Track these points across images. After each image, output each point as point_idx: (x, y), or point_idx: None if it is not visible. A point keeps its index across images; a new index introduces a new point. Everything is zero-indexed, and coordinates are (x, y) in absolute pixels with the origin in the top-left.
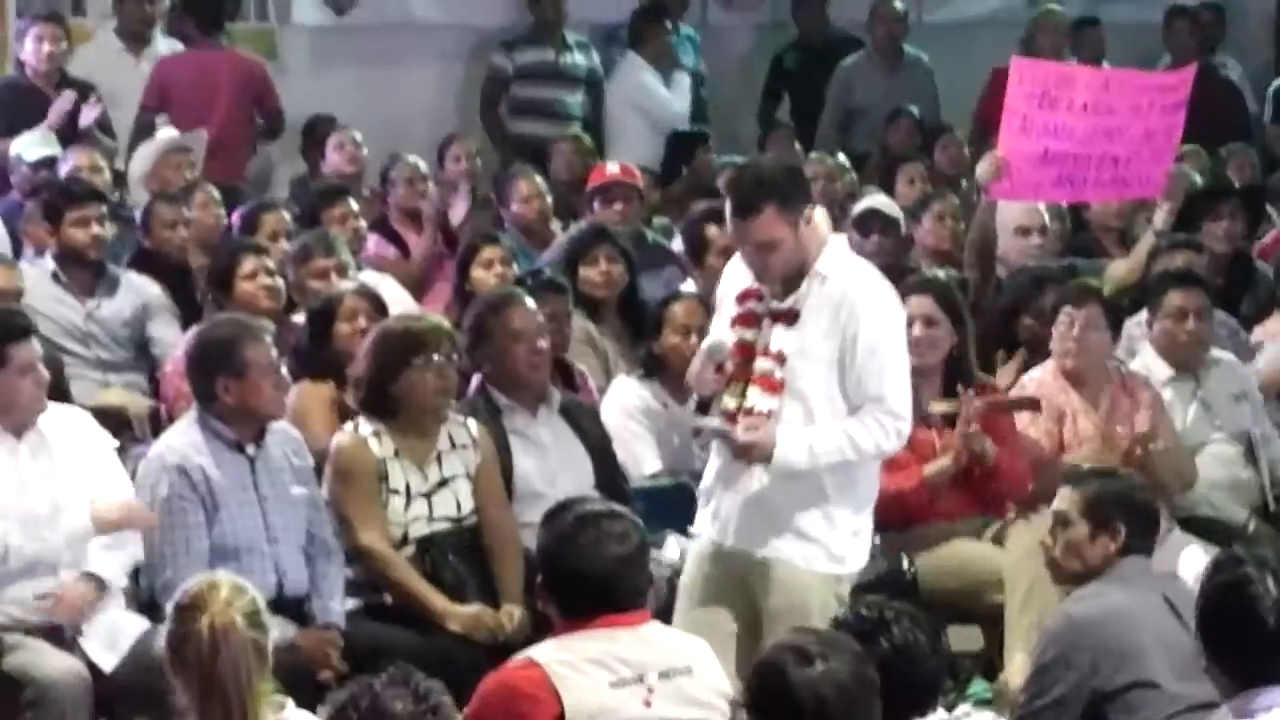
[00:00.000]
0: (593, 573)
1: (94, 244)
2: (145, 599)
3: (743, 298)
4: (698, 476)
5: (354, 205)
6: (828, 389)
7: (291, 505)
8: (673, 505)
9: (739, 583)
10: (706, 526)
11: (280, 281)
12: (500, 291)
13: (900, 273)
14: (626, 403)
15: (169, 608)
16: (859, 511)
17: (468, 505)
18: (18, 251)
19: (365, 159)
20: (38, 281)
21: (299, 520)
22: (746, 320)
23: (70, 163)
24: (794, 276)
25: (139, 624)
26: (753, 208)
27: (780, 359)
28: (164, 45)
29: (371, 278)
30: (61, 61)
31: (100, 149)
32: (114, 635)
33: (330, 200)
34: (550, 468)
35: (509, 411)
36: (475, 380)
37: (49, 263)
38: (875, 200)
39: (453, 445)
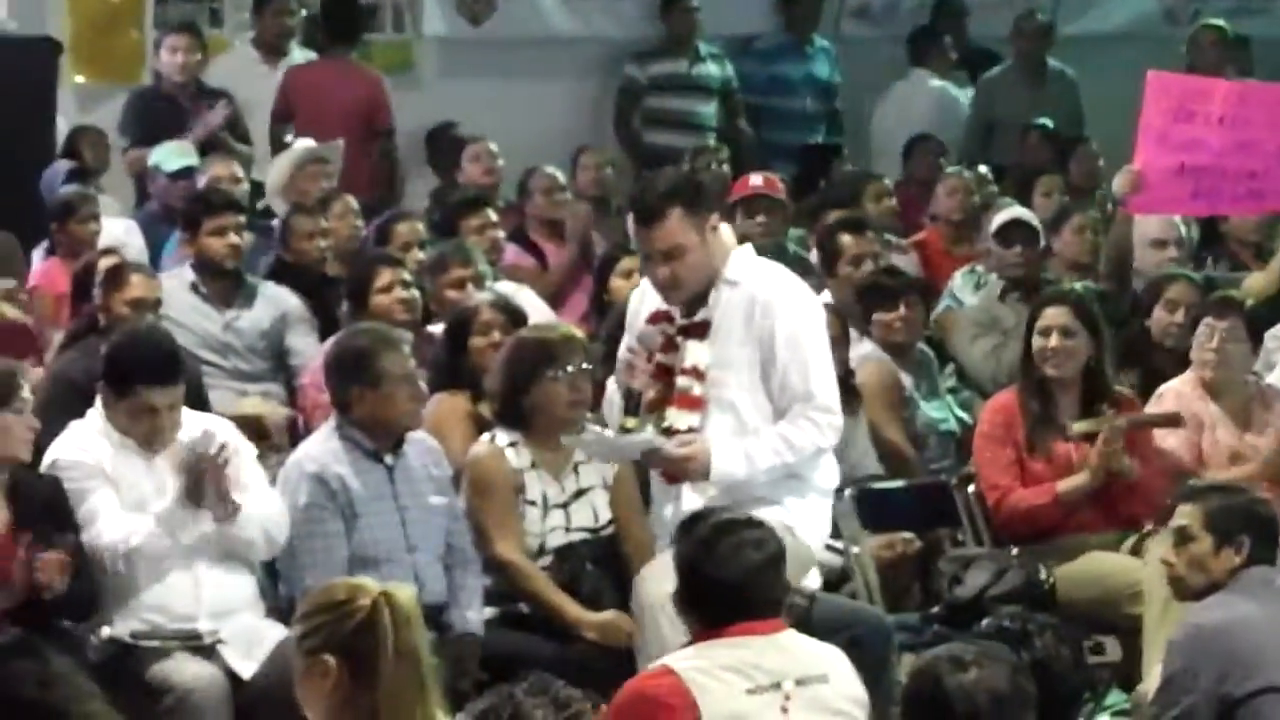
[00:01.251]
0: (730, 580)
1: (231, 253)
2: (284, 607)
3: (652, 320)
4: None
5: (492, 215)
6: (754, 396)
7: (430, 515)
8: None
9: None
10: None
11: (415, 294)
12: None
13: (1037, 284)
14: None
15: (308, 619)
16: (818, 500)
17: (604, 515)
18: (156, 261)
19: (501, 170)
20: (176, 291)
21: (437, 530)
22: (664, 345)
23: (209, 173)
24: (702, 291)
25: (277, 631)
26: (657, 213)
27: (698, 374)
28: (299, 56)
29: (508, 288)
30: (198, 72)
31: (238, 158)
32: (252, 642)
33: (468, 210)
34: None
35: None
36: None
37: (188, 273)
38: (1016, 211)
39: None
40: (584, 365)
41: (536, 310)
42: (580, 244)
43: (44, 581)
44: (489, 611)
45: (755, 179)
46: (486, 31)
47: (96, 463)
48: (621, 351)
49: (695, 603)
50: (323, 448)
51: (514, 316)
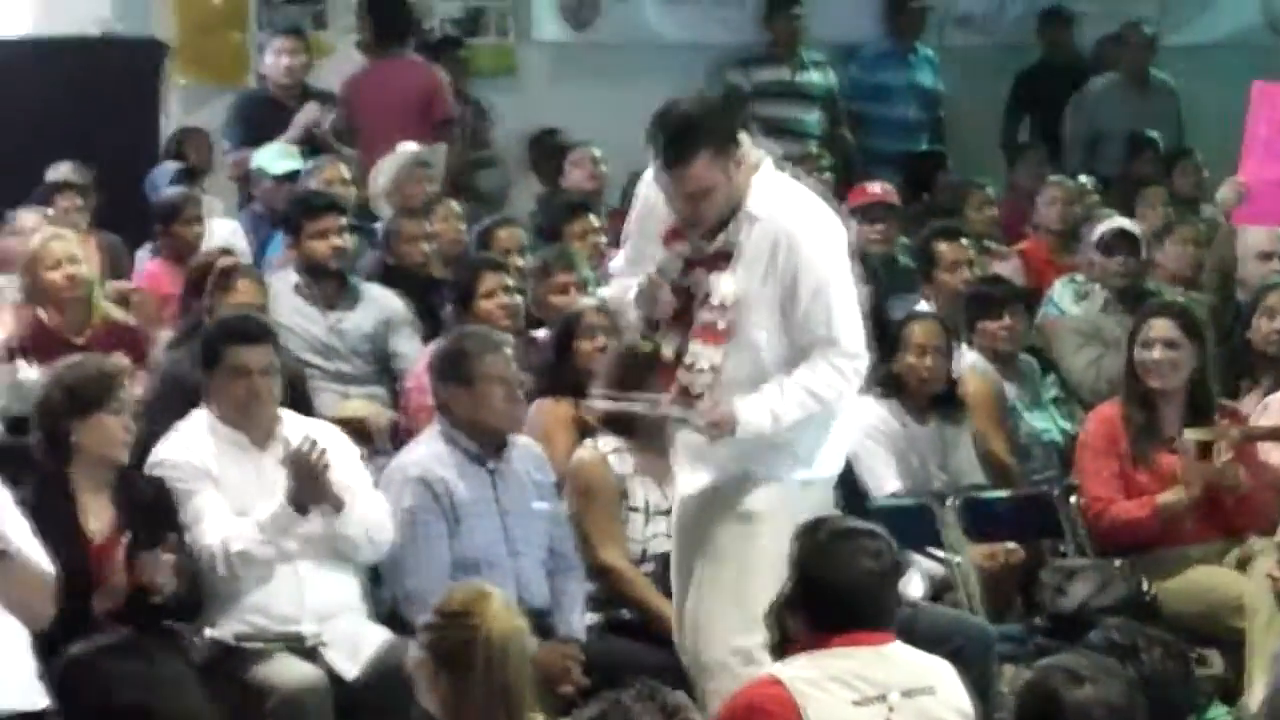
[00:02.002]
0: (846, 586)
1: (334, 255)
2: (386, 610)
3: (669, 239)
4: (938, 496)
5: (595, 221)
6: (774, 335)
7: (533, 519)
8: (912, 525)
9: (696, 520)
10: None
11: (519, 299)
12: None
13: (1140, 295)
14: (865, 421)
15: (425, 617)
16: (826, 427)
17: None
18: (260, 263)
19: (605, 175)
20: (281, 294)
21: (540, 535)
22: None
23: (320, 175)
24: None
25: (380, 634)
26: (683, 157)
27: (722, 308)
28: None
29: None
30: (303, 75)
31: (344, 160)
32: (355, 645)
33: (572, 215)
34: None
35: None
36: None
37: (292, 275)
38: (1120, 222)
39: None
40: None
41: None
42: None
43: (151, 582)
44: (592, 617)
45: (873, 187)
46: (591, 36)
47: (202, 463)
48: (641, 279)
49: (806, 606)
50: (427, 451)
51: (618, 322)
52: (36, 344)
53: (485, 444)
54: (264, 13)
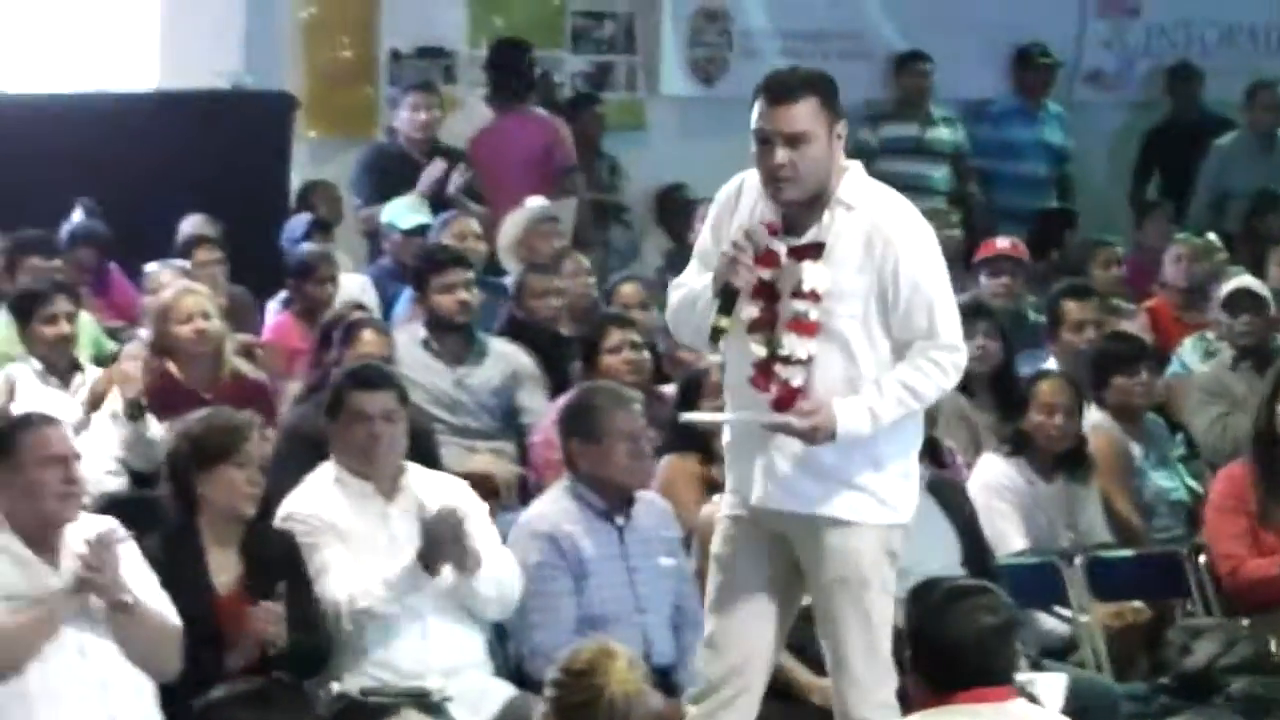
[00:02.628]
0: (964, 644)
1: (461, 309)
2: (512, 665)
3: (750, 237)
4: (1064, 555)
5: None
6: (866, 327)
7: (660, 576)
8: (1038, 583)
9: (773, 543)
10: (739, 482)
11: (645, 355)
12: None
13: (1269, 354)
14: (993, 479)
15: (550, 673)
16: (906, 452)
17: None
18: (389, 317)
19: None
20: (408, 348)
21: (666, 591)
22: (766, 259)
23: (450, 230)
24: (812, 207)
25: (505, 690)
26: (792, 95)
27: (815, 298)
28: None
29: None
30: (435, 129)
31: (475, 215)
32: (480, 701)
33: None
34: (917, 544)
35: None
36: None
37: (419, 329)
38: (1244, 280)
39: None
40: None
41: None
42: None
43: (262, 634)
44: None
45: (1001, 241)
46: (718, 91)
47: (328, 516)
48: (707, 231)
49: (926, 667)
50: (554, 507)
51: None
52: (165, 398)
53: (612, 500)
54: (393, 67)
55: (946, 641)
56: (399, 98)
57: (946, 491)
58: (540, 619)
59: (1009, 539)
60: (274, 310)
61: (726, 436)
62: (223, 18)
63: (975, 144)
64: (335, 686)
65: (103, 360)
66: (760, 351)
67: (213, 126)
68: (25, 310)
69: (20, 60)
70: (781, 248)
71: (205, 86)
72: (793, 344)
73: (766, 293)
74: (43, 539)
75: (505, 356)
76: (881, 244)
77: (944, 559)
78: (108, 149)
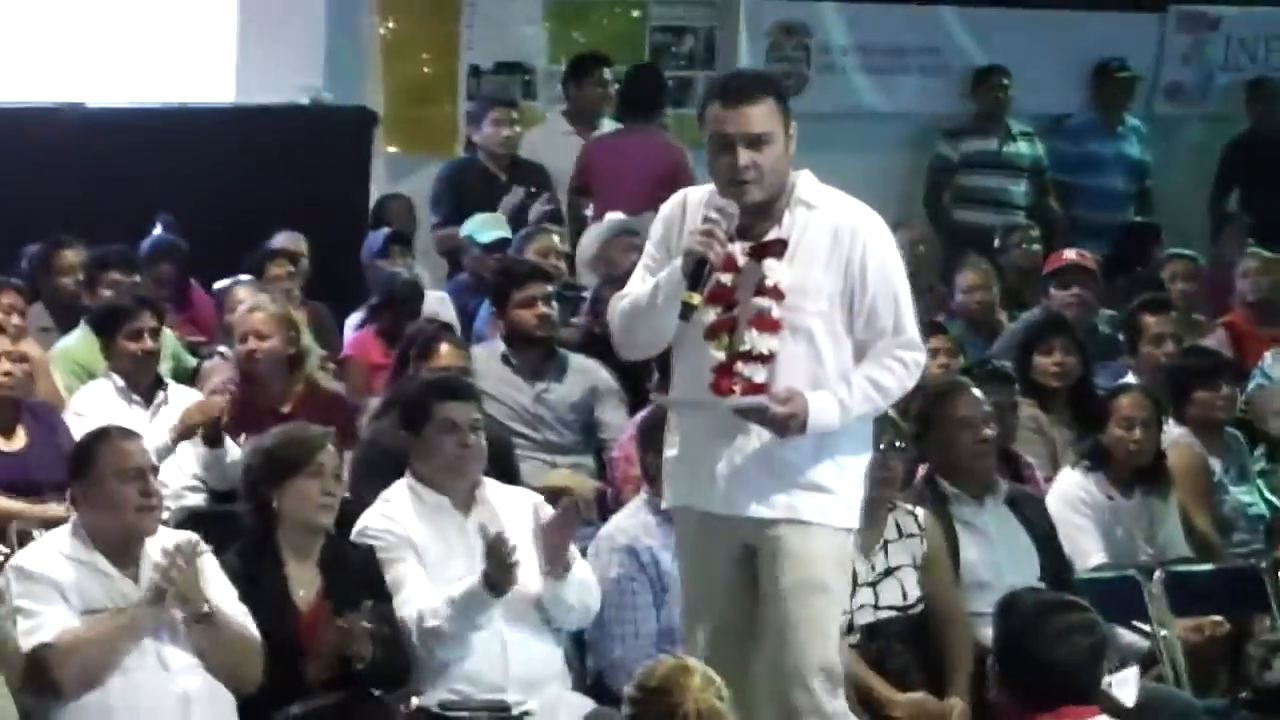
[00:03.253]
0: (1059, 665)
1: (540, 324)
2: (590, 679)
3: (723, 212)
4: (1144, 569)
5: None
6: (829, 324)
7: None
8: (1117, 598)
9: (739, 550)
10: (688, 496)
11: None
12: (946, 380)
13: None
14: (1071, 493)
15: (627, 689)
16: (862, 457)
17: (914, 594)
18: (468, 333)
19: None
20: (487, 363)
21: None
22: (723, 263)
23: (533, 246)
24: (768, 209)
25: (584, 704)
26: (752, 96)
27: (777, 294)
28: (609, 127)
29: None
30: (516, 145)
31: (557, 231)
32: (559, 714)
33: None
34: (996, 557)
35: (955, 500)
36: (922, 469)
37: (499, 345)
38: None
39: (900, 534)
40: (896, 443)
41: None
42: None
43: (347, 649)
44: None
45: (1069, 253)
46: (797, 107)
47: (404, 532)
48: (651, 248)
49: (1017, 684)
50: (634, 521)
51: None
52: (242, 413)
53: None
54: (473, 83)
55: (1040, 661)
56: (479, 113)
57: (1025, 505)
58: (620, 632)
59: (1088, 553)
60: (353, 326)
61: (673, 450)
62: (303, 33)
63: (1054, 158)
64: (415, 701)
65: (183, 376)
66: (719, 355)
67: (292, 142)
68: (109, 325)
69: (101, 74)
70: (738, 250)
71: (285, 101)
72: (754, 340)
73: (725, 297)
74: (124, 553)
75: (585, 371)
76: (849, 238)
77: (1023, 573)
78: (187, 164)
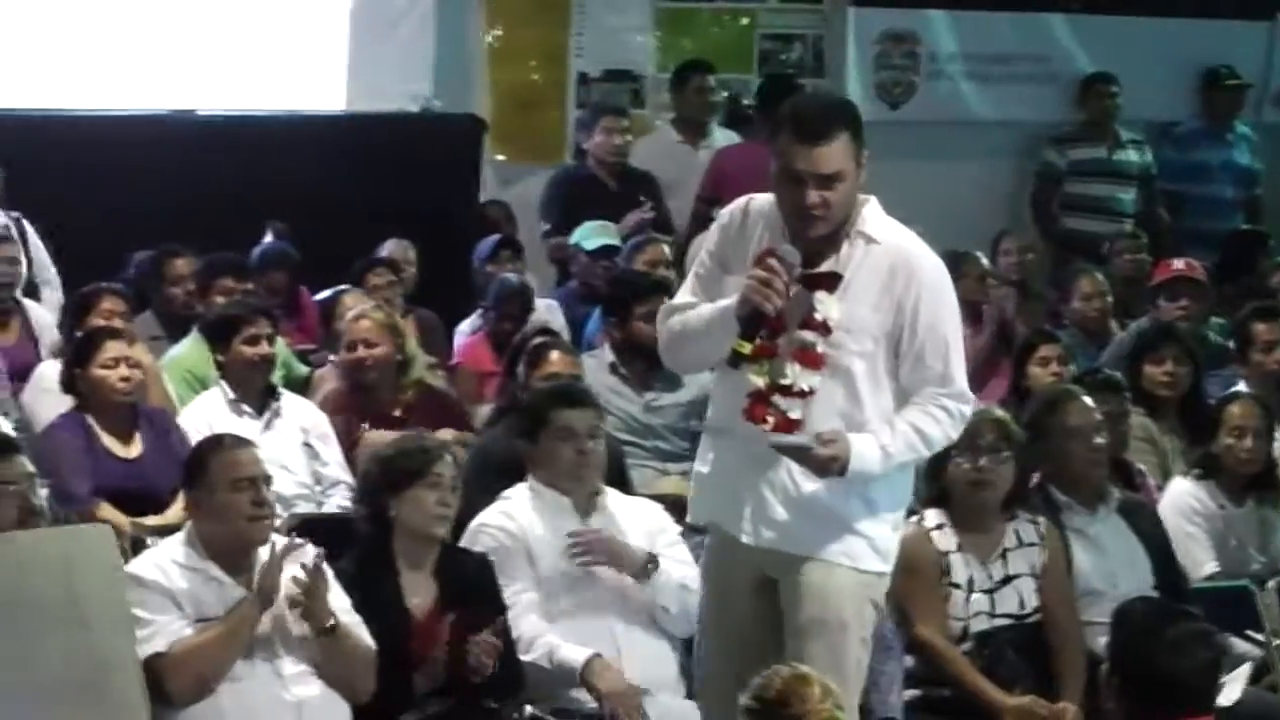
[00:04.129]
0: (1179, 672)
1: None
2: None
3: (763, 259)
4: (1257, 578)
5: None
6: (873, 368)
7: None
8: (1230, 607)
9: (760, 579)
10: (713, 514)
11: None
12: (1058, 389)
13: None
14: (1183, 503)
15: (743, 699)
16: (899, 505)
17: (1031, 603)
18: (578, 340)
19: None
20: (596, 371)
21: None
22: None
23: (642, 256)
24: (829, 237)
25: (697, 712)
26: (826, 134)
27: (824, 329)
28: (720, 136)
29: None
30: (627, 153)
31: (665, 242)
32: None
33: None
34: (1109, 566)
35: (1067, 509)
36: (1035, 478)
37: (607, 353)
38: None
39: (1019, 543)
40: (992, 451)
41: None
42: (999, 328)
43: (474, 665)
44: (909, 694)
45: (1177, 263)
46: (905, 114)
47: (520, 531)
48: (705, 256)
49: (1132, 694)
50: None
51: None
52: (353, 426)
53: None
54: (581, 91)
55: (1159, 671)
56: (587, 121)
57: (1138, 514)
58: None
59: (1201, 563)
60: (464, 333)
61: (704, 468)
62: (413, 41)
63: (1162, 166)
64: (529, 709)
65: (294, 384)
66: (759, 381)
67: (402, 149)
68: (222, 333)
69: (213, 82)
70: (793, 275)
71: (395, 109)
72: (795, 375)
73: (773, 323)
74: (237, 560)
75: (696, 379)
76: (904, 279)
77: (1137, 581)
78: (298, 171)
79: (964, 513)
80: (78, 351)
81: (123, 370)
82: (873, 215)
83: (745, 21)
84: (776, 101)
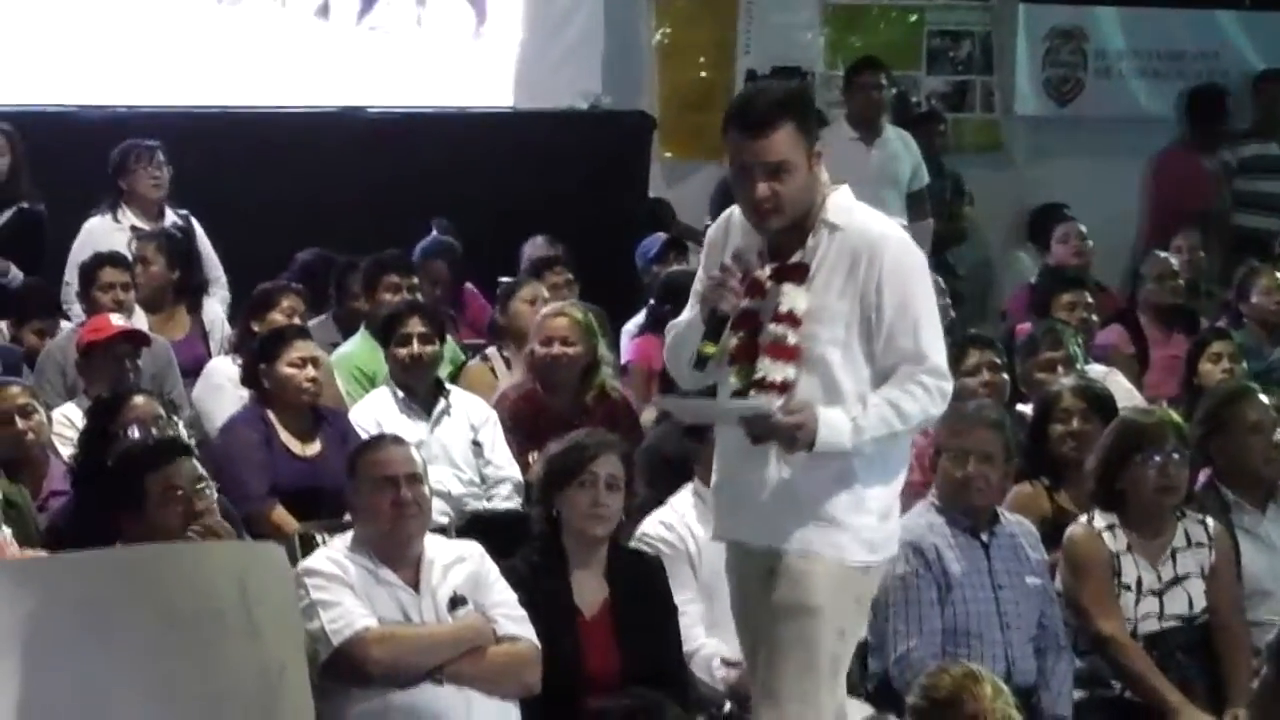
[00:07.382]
0: None
1: None
2: (872, 684)
3: (738, 260)
4: None
5: (1086, 295)
6: (846, 352)
7: (1025, 595)
8: None
9: (766, 574)
10: (722, 526)
11: (1004, 376)
12: (1233, 385)
13: None
14: None
15: (911, 697)
16: (889, 489)
17: (1199, 604)
18: None
19: (1091, 251)
20: None
21: (1032, 610)
22: (752, 288)
23: None
24: (796, 230)
25: (862, 710)
26: (767, 123)
27: (794, 321)
28: (892, 133)
29: (1099, 371)
30: None
31: None
32: None
33: (1063, 288)
34: (1276, 566)
35: (1237, 508)
36: (1203, 475)
37: None
38: None
39: (1188, 543)
40: (1176, 453)
41: (1125, 394)
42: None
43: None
44: (1078, 694)
45: None
46: (1074, 111)
47: (678, 550)
48: (702, 273)
49: None
50: (919, 521)
51: (1098, 403)
52: (533, 421)
53: (977, 517)
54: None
55: None
56: None
57: None
58: (905, 629)
59: None
60: (632, 331)
61: (716, 477)
62: (582, 38)
63: None
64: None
65: (455, 376)
66: (736, 383)
67: (570, 146)
68: (385, 332)
69: (382, 80)
70: (767, 274)
71: (564, 107)
72: (768, 368)
73: (750, 322)
74: (397, 559)
75: None
76: (867, 262)
77: None
78: (465, 169)
79: (1141, 515)
80: (264, 348)
81: (309, 371)
82: (838, 203)
83: (914, 18)
84: (1205, 111)
